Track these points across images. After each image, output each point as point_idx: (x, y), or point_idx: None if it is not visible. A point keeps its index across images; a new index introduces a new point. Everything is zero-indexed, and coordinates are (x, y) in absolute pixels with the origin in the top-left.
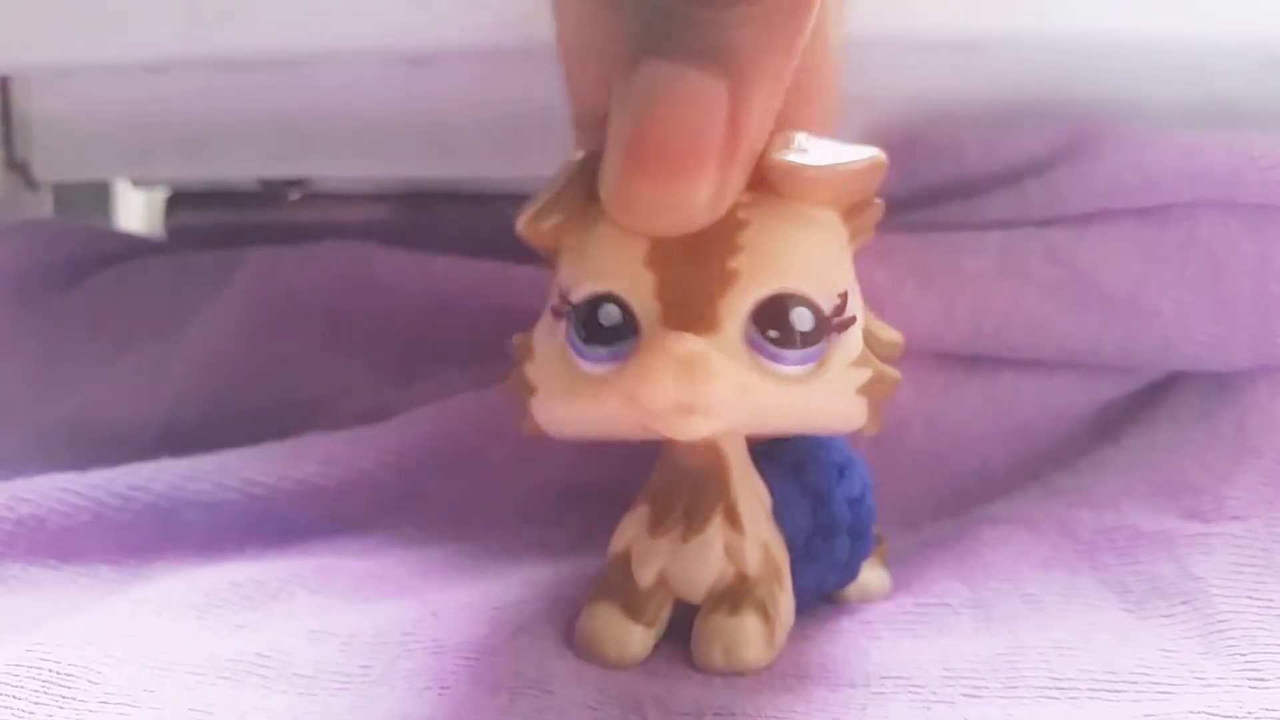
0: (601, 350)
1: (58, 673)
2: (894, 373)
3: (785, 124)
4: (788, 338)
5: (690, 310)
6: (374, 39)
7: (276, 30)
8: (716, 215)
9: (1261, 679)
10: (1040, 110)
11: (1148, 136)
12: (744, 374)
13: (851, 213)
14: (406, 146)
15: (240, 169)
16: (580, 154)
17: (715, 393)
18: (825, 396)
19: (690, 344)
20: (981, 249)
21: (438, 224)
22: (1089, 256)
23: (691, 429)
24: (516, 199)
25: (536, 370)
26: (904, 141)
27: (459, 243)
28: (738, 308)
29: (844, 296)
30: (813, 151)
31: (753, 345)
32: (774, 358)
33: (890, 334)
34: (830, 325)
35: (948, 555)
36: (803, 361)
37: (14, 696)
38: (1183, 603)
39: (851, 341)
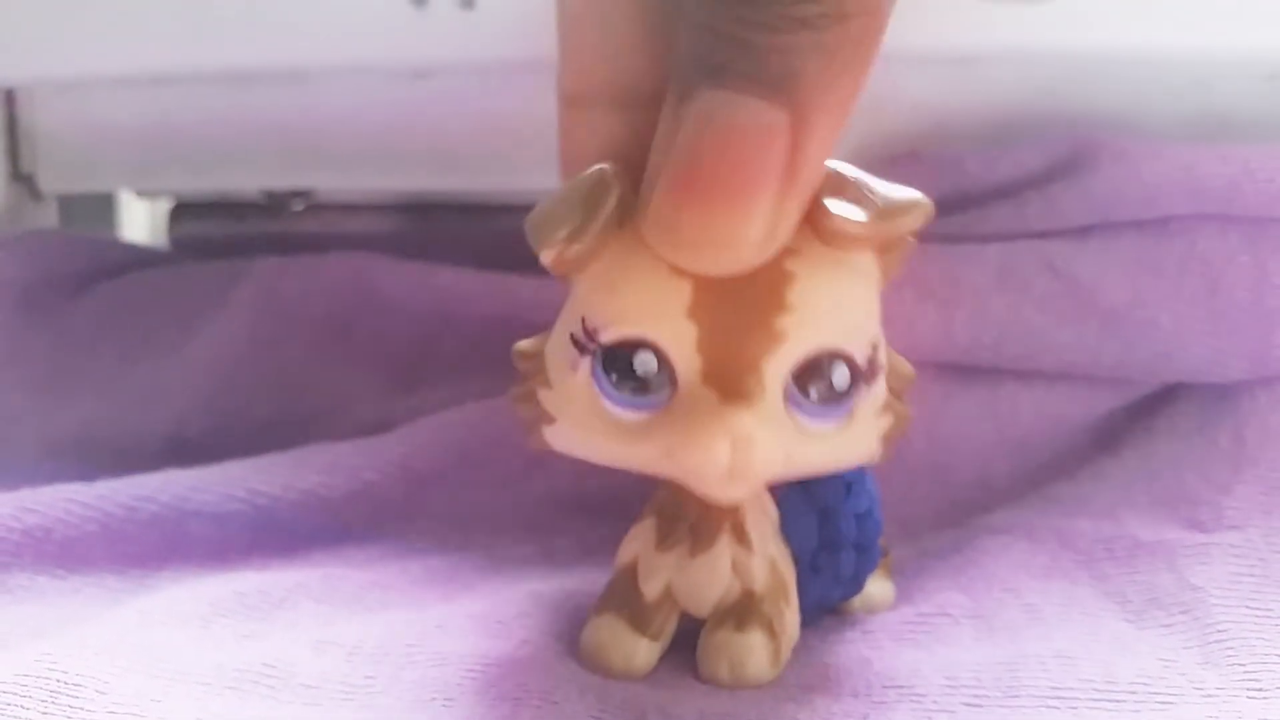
0: (633, 398)
1: (65, 683)
2: (907, 411)
3: None
4: (827, 397)
5: (734, 370)
6: (377, 52)
7: (280, 43)
8: (768, 254)
9: (1260, 689)
10: (1039, 124)
11: (1146, 150)
12: (786, 439)
13: (886, 250)
14: (410, 158)
15: (244, 180)
16: (599, 169)
17: (762, 466)
18: (851, 446)
19: (744, 424)
20: (981, 261)
21: (441, 235)
22: (1088, 269)
23: (733, 494)
24: (519, 210)
25: (554, 401)
26: (904, 154)
27: (462, 253)
28: (782, 368)
29: (876, 346)
30: (858, 193)
31: (792, 403)
32: (812, 416)
33: (905, 367)
34: (863, 377)
35: (948, 565)
36: (836, 417)
37: (22, 706)
38: (1182, 612)
39: (878, 390)
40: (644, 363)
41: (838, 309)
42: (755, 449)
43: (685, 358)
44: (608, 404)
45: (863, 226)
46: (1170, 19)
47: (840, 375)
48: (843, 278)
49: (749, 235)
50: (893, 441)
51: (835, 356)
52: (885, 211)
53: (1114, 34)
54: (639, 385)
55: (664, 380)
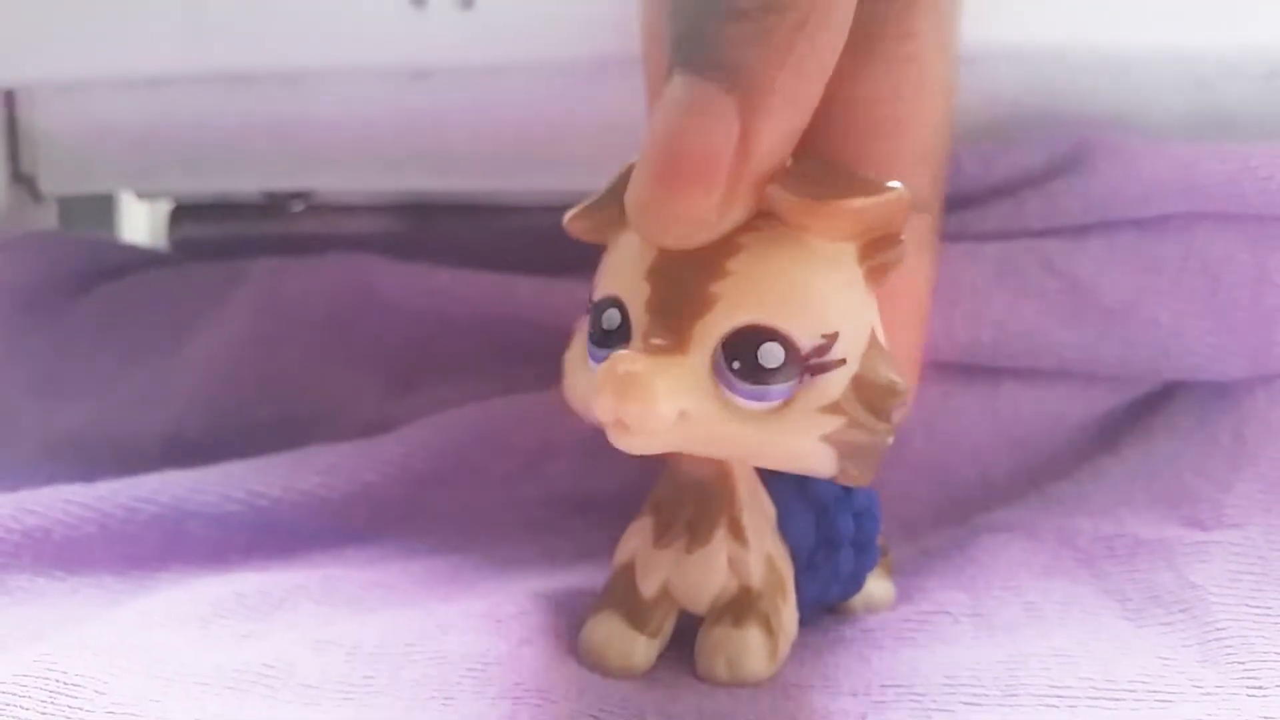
0: (604, 351)
1: (64, 683)
2: (881, 426)
3: (859, 156)
4: (750, 372)
5: (666, 328)
6: (376, 53)
7: (279, 44)
8: (722, 231)
9: (1260, 687)
10: (1038, 122)
11: (1145, 148)
12: (692, 400)
13: (869, 249)
14: (409, 159)
15: (244, 181)
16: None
17: (650, 414)
18: (783, 438)
19: (630, 364)
20: (980, 260)
21: (440, 236)
22: (1087, 267)
23: (626, 444)
24: (519, 211)
25: (568, 358)
26: None
27: (461, 254)
28: (710, 333)
29: (831, 337)
30: (830, 182)
31: (716, 371)
32: (732, 389)
33: (887, 379)
34: (805, 365)
35: (948, 564)
36: (761, 398)
37: (21, 707)
38: (1181, 611)
39: (829, 386)
40: (609, 318)
41: (781, 286)
42: (640, 388)
43: (637, 314)
44: (589, 358)
45: (807, 202)
46: (1169, 17)
47: (770, 353)
48: (797, 258)
49: (699, 213)
50: (855, 457)
51: (768, 333)
52: (837, 190)
53: (1113, 32)
54: (607, 339)
55: (623, 335)
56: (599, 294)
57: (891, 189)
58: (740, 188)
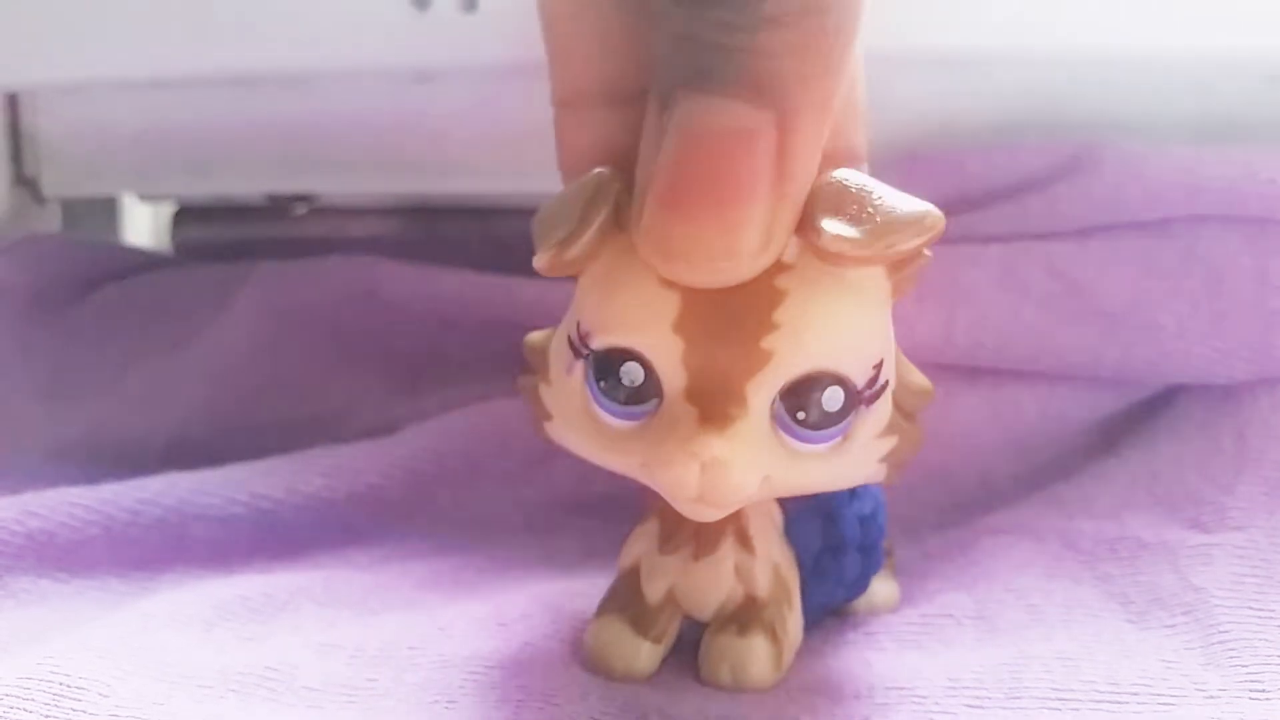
0: (622, 407)
1: (68, 685)
2: (918, 433)
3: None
4: (816, 419)
5: (717, 388)
6: (379, 55)
7: (282, 46)
8: (765, 264)
9: (1263, 690)
10: (1041, 126)
11: (1147, 152)
12: (766, 461)
13: (897, 267)
14: (412, 161)
15: (247, 184)
16: (598, 173)
17: (735, 491)
18: (846, 469)
19: (714, 449)
20: (982, 263)
21: (443, 238)
22: (1089, 270)
23: (705, 516)
24: (522, 213)
25: (553, 399)
26: (905, 156)
27: (465, 257)
28: (767, 388)
29: (879, 366)
30: (860, 207)
31: (779, 424)
32: (800, 438)
33: (920, 382)
34: (860, 399)
35: (951, 566)
36: (828, 440)
37: (25, 709)
38: (1184, 613)
39: (880, 411)
40: (630, 373)
41: (831, 329)
42: (727, 475)
43: (670, 371)
44: (598, 409)
45: (855, 244)
46: (1171, 22)
47: (831, 397)
48: (840, 296)
49: (743, 245)
50: (900, 464)
51: (827, 378)
52: (883, 228)
53: (1115, 37)
54: (627, 395)
55: (651, 391)
56: (604, 341)
57: (931, 213)
58: (783, 211)
